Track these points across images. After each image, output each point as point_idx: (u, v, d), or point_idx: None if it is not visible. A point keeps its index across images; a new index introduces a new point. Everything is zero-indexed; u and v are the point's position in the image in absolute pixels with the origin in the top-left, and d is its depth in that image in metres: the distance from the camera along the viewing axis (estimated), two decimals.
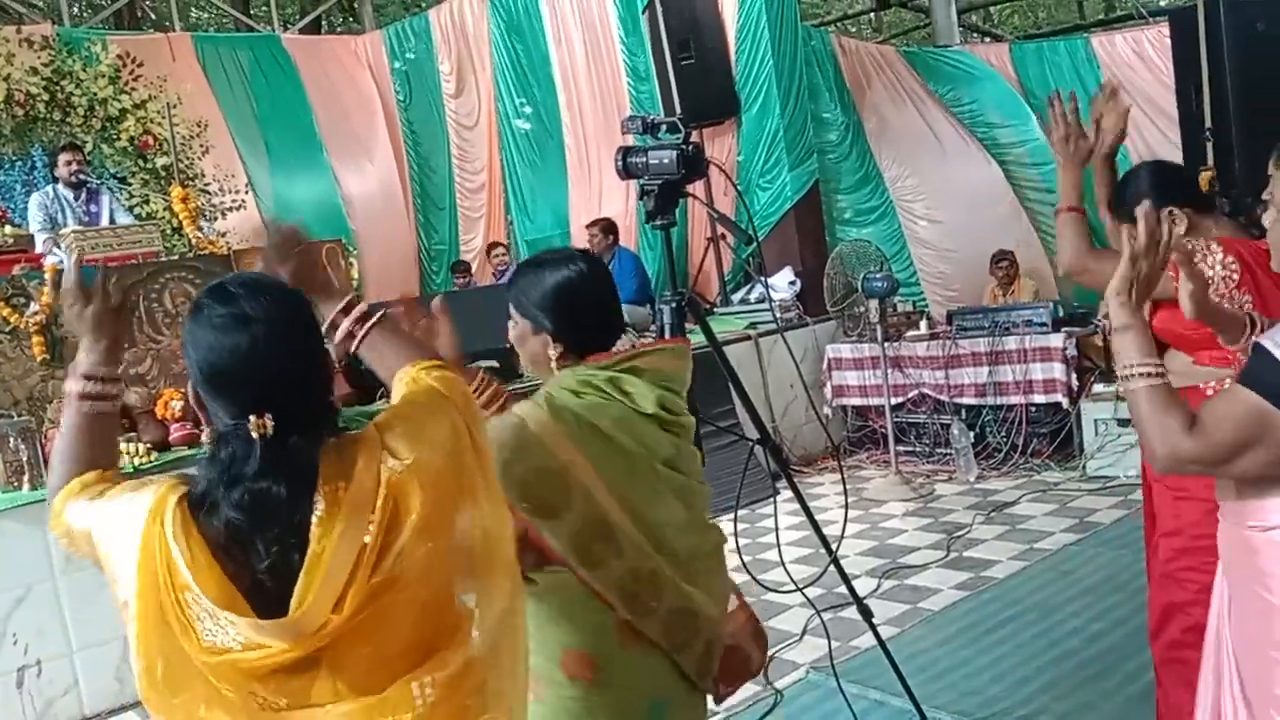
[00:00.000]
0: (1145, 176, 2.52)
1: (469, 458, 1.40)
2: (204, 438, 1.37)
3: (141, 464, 4.34)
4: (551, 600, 1.75)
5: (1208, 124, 7.70)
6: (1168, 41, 8.26)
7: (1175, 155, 6.85)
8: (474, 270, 9.61)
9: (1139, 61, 9.07)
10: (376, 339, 1.53)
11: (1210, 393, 2.20)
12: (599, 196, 9.07)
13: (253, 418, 1.26)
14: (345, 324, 1.53)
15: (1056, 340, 5.99)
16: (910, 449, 6.61)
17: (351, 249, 6.90)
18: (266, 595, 1.25)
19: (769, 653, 3.85)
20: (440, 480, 1.34)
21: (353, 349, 1.54)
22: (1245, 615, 1.66)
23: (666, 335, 2.65)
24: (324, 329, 1.53)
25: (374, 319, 1.53)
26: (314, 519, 1.25)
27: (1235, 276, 2.17)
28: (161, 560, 1.25)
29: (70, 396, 1.52)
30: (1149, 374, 1.59)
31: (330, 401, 1.40)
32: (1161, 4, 16.11)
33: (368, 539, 1.25)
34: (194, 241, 6.56)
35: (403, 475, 1.30)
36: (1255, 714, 1.65)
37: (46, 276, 4.93)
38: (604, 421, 1.78)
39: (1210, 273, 2.15)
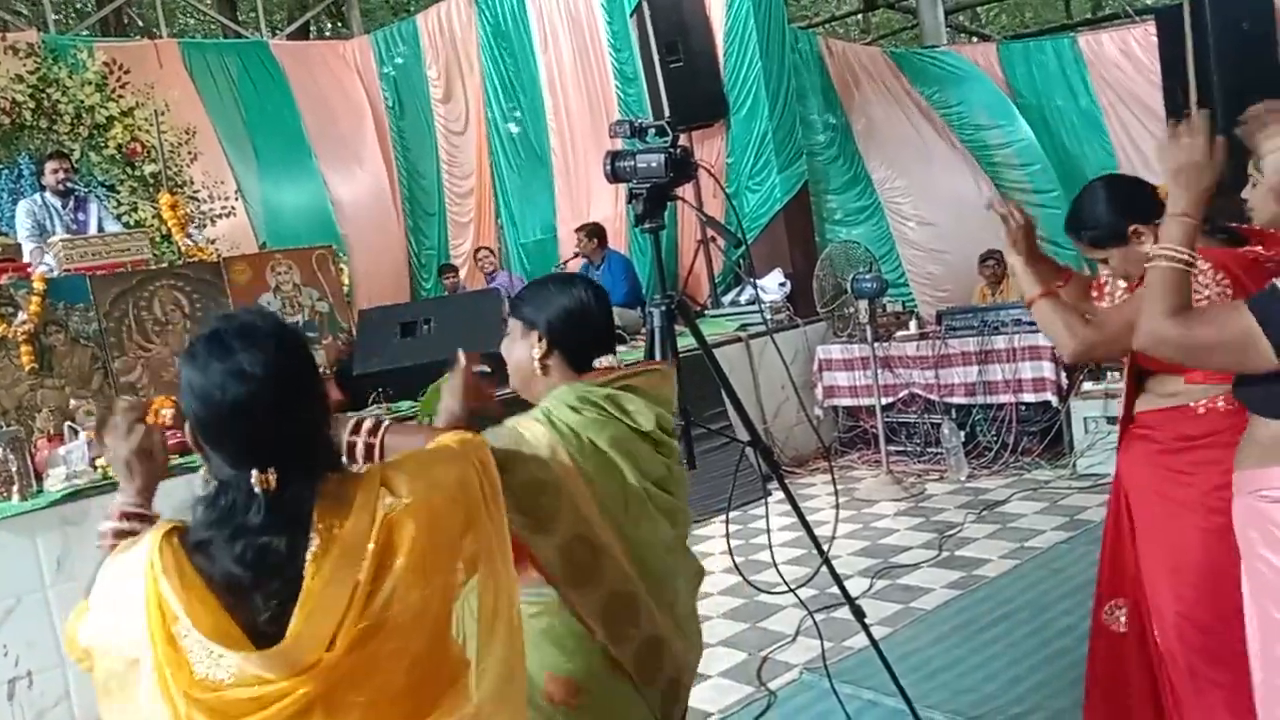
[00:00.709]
0: (1102, 196, 2.41)
1: (475, 503, 1.41)
2: (202, 474, 1.38)
3: None
4: (538, 622, 1.75)
5: None
6: (1154, 40, 8.30)
7: None
8: (462, 274, 9.62)
9: (1125, 60, 9.13)
10: (394, 441, 1.60)
11: (1202, 411, 2.21)
12: (587, 200, 9.08)
13: (255, 473, 1.25)
14: (360, 441, 1.60)
15: (1045, 339, 6.00)
16: (901, 449, 6.62)
17: (342, 255, 6.91)
18: (263, 638, 1.25)
19: (763, 654, 3.87)
20: (439, 523, 1.33)
21: (378, 458, 1.60)
22: (1258, 583, 1.70)
23: (656, 343, 2.65)
24: (343, 450, 1.58)
25: (383, 427, 1.61)
26: (308, 555, 1.25)
27: (1229, 292, 2.17)
28: (153, 597, 1.24)
29: (105, 535, 1.50)
30: (1175, 259, 1.73)
31: (329, 441, 1.40)
32: (1148, 2, 16.20)
33: (360, 576, 1.25)
34: (183, 249, 6.53)
35: (400, 514, 1.29)
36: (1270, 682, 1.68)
37: (34, 285, 4.91)
38: (601, 439, 1.78)
39: (1206, 293, 2.15)
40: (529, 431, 1.74)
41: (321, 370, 1.48)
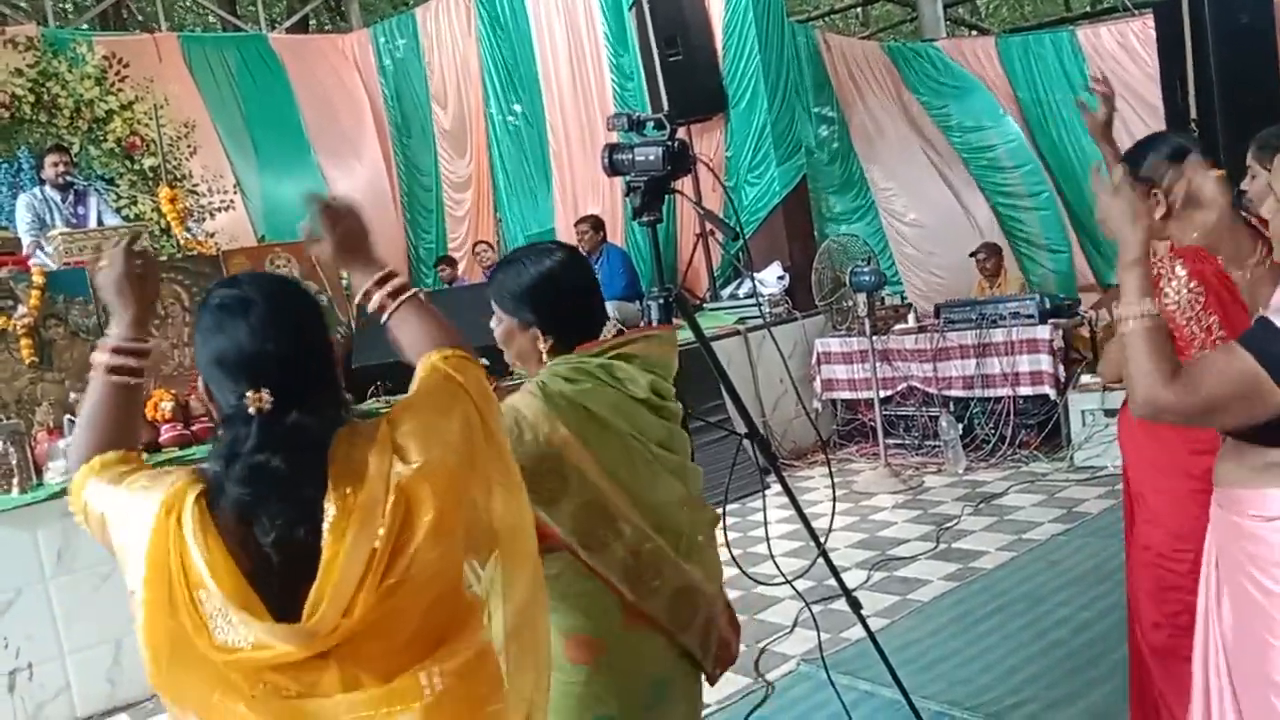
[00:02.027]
0: (1165, 149, 2.42)
1: (482, 449, 1.42)
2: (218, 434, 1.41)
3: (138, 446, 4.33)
4: (554, 585, 1.75)
5: (1193, 115, 7.74)
6: (1152, 33, 8.30)
7: None
8: (460, 267, 9.62)
9: (1123, 54, 9.13)
10: (406, 315, 1.54)
11: None
12: (584, 193, 9.09)
13: (249, 393, 1.28)
14: (378, 296, 1.55)
15: (1043, 332, 6.02)
16: (899, 441, 6.64)
17: None
18: (277, 583, 1.26)
19: (760, 645, 3.89)
20: (452, 480, 1.35)
21: (382, 320, 1.56)
22: (1238, 603, 1.68)
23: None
24: (358, 298, 1.57)
25: (406, 294, 1.55)
26: (325, 525, 1.26)
27: (1201, 298, 2.19)
28: (176, 555, 1.26)
29: (98, 367, 1.52)
30: (1145, 315, 1.62)
31: (334, 382, 1.41)
32: None
33: (377, 544, 1.27)
34: (182, 242, 6.55)
35: (413, 478, 1.31)
36: (1244, 700, 1.67)
37: (34, 279, 4.92)
38: (599, 407, 1.79)
39: (1175, 296, 2.17)
40: (528, 409, 1.76)
41: (335, 346, 1.48)
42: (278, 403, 1.29)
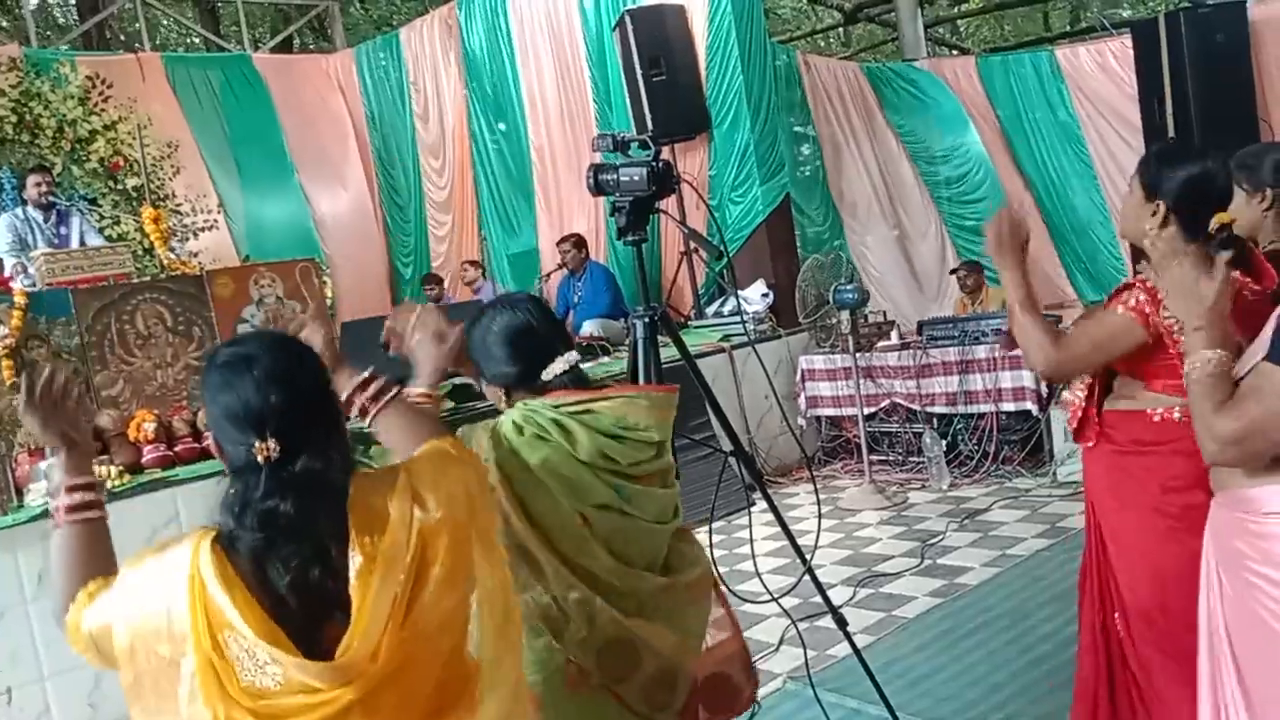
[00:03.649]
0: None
1: (481, 515, 1.48)
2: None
3: (115, 486, 4.31)
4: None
5: (1171, 133, 7.84)
6: (1130, 53, 8.40)
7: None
8: (446, 285, 9.62)
9: (1102, 73, 9.24)
10: (390, 417, 1.61)
11: (1157, 419, 2.23)
12: (568, 213, 9.12)
13: (257, 442, 1.32)
14: (359, 400, 1.61)
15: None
16: (884, 458, 6.66)
17: (324, 268, 6.90)
18: (297, 626, 1.29)
19: None
20: (459, 534, 1.40)
21: (366, 424, 1.61)
22: (1245, 598, 1.69)
23: (639, 354, 2.66)
24: (343, 401, 1.61)
25: (387, 396, 1.61)
26: (352, 571, 1.31)
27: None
28: (200, 604, 1.28)
29: (58, 514, 1.53)
30: (1219, 362, 1.71)
31: (339, 428, 1.45)
32: (1125, 16, 16.37)
33: (398, 590, 1.31)
34: (166, 262, 6.52)
35: (434, 526, 1.36)
36: (1255, 696, 1.68)
37: (16, 299, 4.90)
38: (533, 459, 1.82)
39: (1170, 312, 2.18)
40: (478, 444, 1.82)
41: (337, 395, 1.54)
42: (285, 451, 1.33)
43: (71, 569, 1.50)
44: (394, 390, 1.62)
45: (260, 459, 1.32)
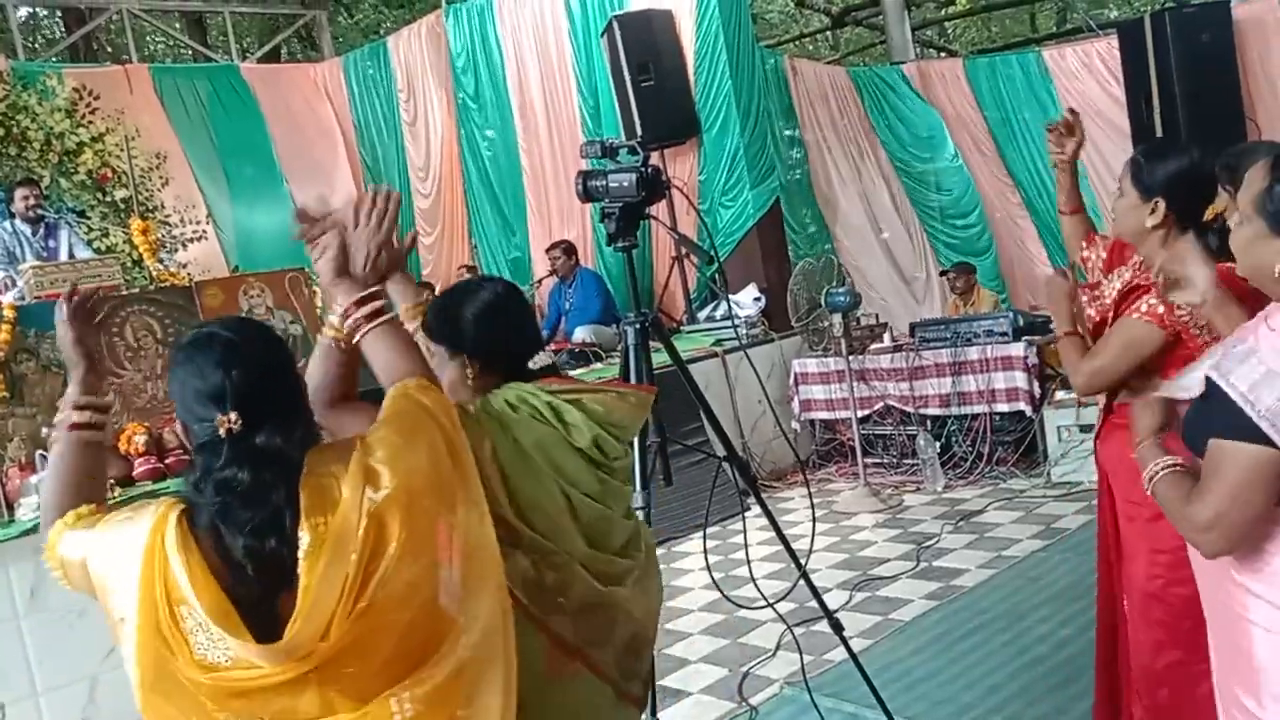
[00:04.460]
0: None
1: (448, 471, 1.47)
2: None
3: (107, 499, 4.28)
4: None
5: (1159, 133, 7.86)
6: (1116, 54, 8.43)
7: None
8: (437, 292, 9.60)
9: (1088, 74, 9.26)
10: (379, 338, 1.59)
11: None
12: (558, 218, 9.11)
13: (218, 416, 1.36)
14: (355, 315, 1.60)
15: (1018, 349, 6.07)
16: (878, 461, 6.66)
17: (314, 278, 6.87)
18: (255, 596, 1.32)
19: (744, 669, 3.88)
20: (418, 504, 1.40)
21: (356, 340, 1.61)
22: (1220, 617, 1.70)
23: (630, 360, 2.66)
24: (337, 315, 1.63)
25: (381, 319, 1.60)
26: (300, 551, 1.32)
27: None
28: (160, 574, 1.32)
29: (60, 427, 1.60)
30: (1170, 467, 1.70)
31: (300, 408, 1.48)
32: (1112, 16, 16.44)
33: (350, 569, 1.32)
34: (155, 274, 6.50)
35: (383, 505, 1.36)
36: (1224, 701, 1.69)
37: (4, 313, 4.87)
38: (526, 439, 1.81)
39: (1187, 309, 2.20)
40: (464, 415, 1.76)
41: (299, 373, 1.56)
42: (245, 425, 1.36)
43: (64, 481, 1.57)
44: (390, 315, 1.61)
45: (222, 432, 1.35)
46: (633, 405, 1.96)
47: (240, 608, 1.31)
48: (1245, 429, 1.47)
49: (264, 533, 1.32)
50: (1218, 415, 1.52)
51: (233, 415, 1.35)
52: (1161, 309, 2.25)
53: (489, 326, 1.92)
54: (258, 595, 1.32)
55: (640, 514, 2.19)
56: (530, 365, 1.98)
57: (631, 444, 2.02)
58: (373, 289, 1.62)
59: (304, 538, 1.32)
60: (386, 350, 1.58)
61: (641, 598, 1.93)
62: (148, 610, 1.32)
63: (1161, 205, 2.28)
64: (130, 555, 1.35)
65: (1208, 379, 1.54)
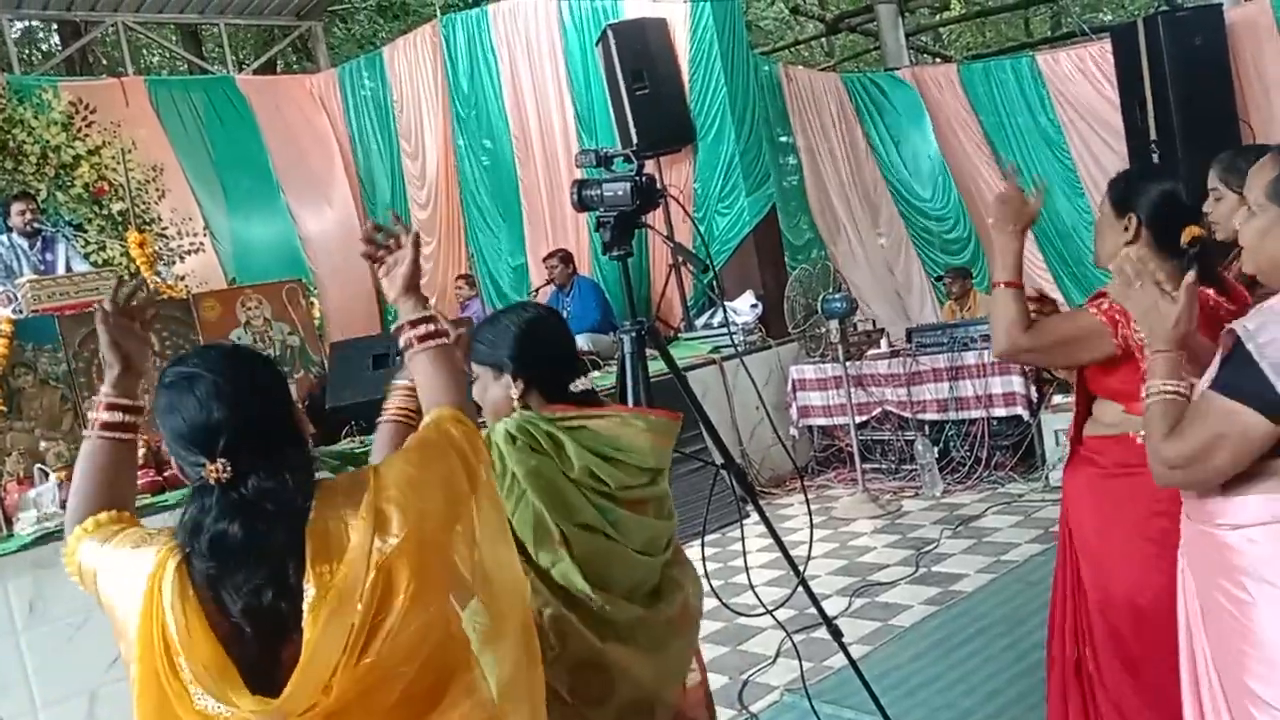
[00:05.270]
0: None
1: (466, 503, 1.45)
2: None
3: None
4: None
5: (1152, 135, 7.88)
6: (1110, 58, 8.45)
7: (1121, 167, 7.08)
8: (433, 301, 9.59)
9: (1082, 78, 9.29)
10: (430, 360, 1.58)
11: (1140, 440, 2.23)
12: (554, 227, 9.12)
13: (207, 463, 1.30)
14: (407, 334, 1.60)
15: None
16: (876, 466, 6.66)
17: (311, 288, 6.89)
18: (254, 649, 1.27)
19: (743, 676, 3.87)
20: (429, 551, 1.36)
21: (406, 359, 1.62)
22: (1216, 613, 1.69)
23: (626, 369, 2.66)
24: (393, 329, 1.63)
25: (432, 342, 1.59)
26: (305, 604, 1.27)
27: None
28: (158, 626, 1.27)
29: (92, 424, 1.54)
30: (1177, 392, 1.71)
31: (297, 440, 1.41)
32: (1105, 20, 16.48)
33: (355, 621, 1.27)
34: (152, 286, 6.51)
35: (392, 556, 1.31)
36: (1233, 709, 1.68)
37: (2, 327, 4.87)
38: (521, 470, 1.81)
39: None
40: None
41: (294, 401, 1.50)
42: (237, 470, 1.30)
43: (90, 482, 1.51)
44: (442, 339, 1.60)
45: (211, 480, 1.30)
46: (642, 430, 1.91)
47: (240, 659, 1.27)
48: (1254, 396, 1.53)
49: (260, 590, 1.28)
50: (1247, 380, 1.55)
51: (221, 463, 1.30)
52: (1120, 317, 2.19)
53: (534, 346, 1.94)
54: (257, 650, 1.28)
55: (689, 567, 2.09)
56: (572, 388, 1.98)
57: (658, 472, 1.96)
58: (429, 311, 1.62)
59: (309, 590, 1.27)
60: (434, 374, 1.58)
61: (646, 662, 1.87)
62: (147, 658, 1.28)
63: (1134, 222, 2.27)
64: (132, 593, 1.31)
65: (1235, 338, 1.58)
